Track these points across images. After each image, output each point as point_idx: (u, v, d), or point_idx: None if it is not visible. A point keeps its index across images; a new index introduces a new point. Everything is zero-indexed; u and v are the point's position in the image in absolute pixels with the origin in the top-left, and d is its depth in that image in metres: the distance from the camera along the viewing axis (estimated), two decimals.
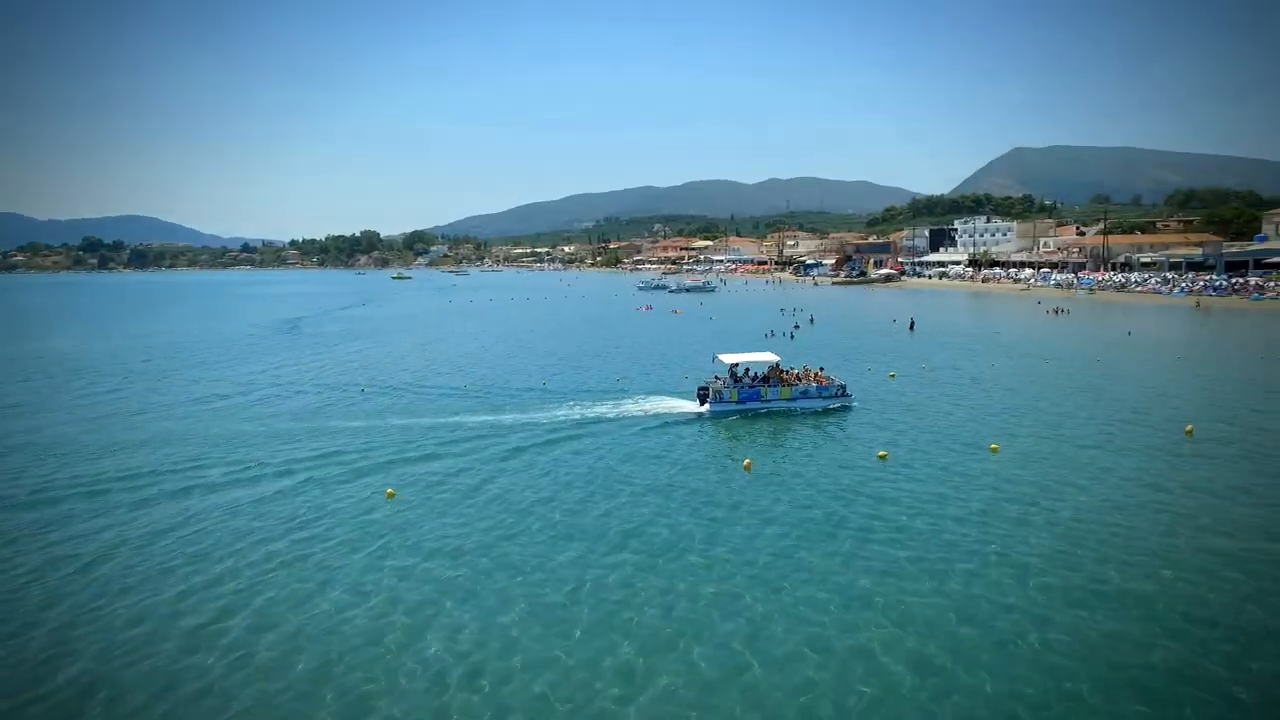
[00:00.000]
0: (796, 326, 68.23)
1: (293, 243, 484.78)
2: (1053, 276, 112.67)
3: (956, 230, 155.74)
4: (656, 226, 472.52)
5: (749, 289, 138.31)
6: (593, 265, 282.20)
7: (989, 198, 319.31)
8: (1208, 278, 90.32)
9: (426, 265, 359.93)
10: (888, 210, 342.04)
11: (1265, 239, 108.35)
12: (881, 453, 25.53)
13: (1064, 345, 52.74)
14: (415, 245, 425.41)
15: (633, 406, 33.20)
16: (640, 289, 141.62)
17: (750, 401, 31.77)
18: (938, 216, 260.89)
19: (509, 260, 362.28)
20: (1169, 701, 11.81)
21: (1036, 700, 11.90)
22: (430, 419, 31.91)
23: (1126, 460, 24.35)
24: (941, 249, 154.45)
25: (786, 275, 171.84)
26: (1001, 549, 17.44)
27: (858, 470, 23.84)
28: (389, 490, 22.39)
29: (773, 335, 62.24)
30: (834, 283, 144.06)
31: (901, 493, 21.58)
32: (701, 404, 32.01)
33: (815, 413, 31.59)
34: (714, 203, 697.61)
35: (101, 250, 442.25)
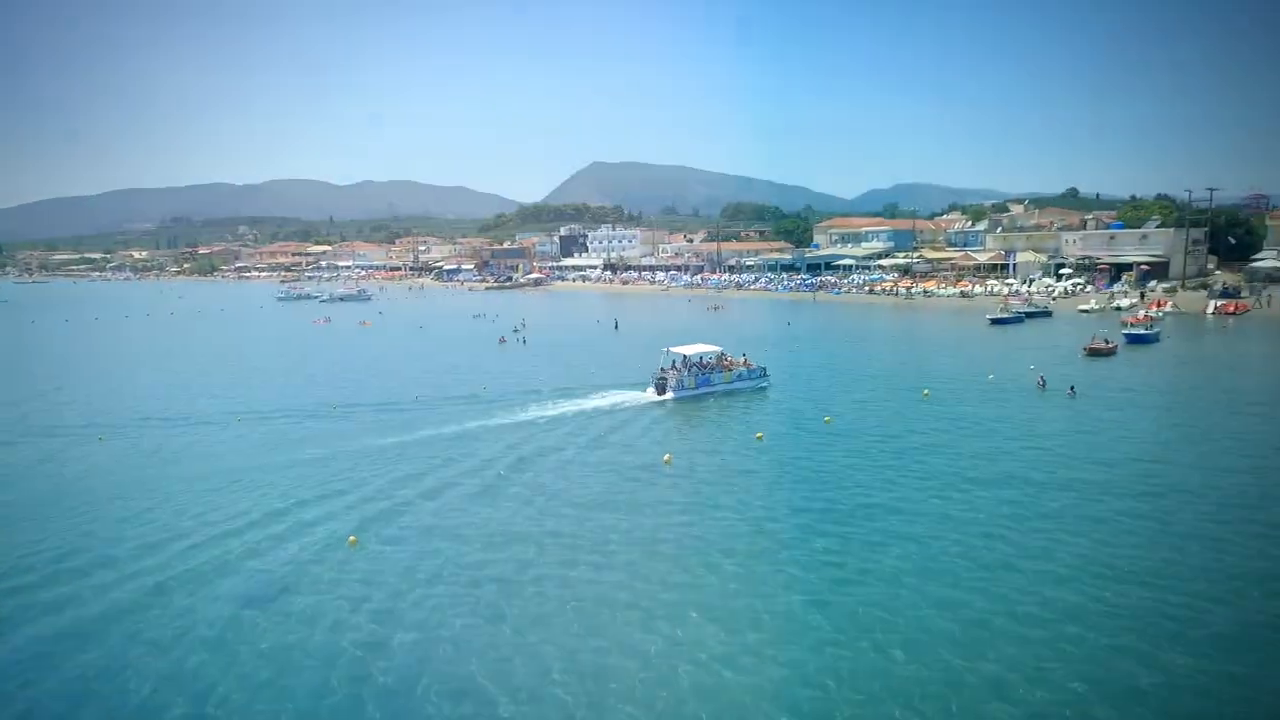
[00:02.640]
0: (516, 330, 70.45)
1: None
2: (682, 278, 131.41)
3: (587, 237, 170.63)
4: (241, 229, 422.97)
5: (392, 296, 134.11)
6: (179, 273, 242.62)
7: (586, 207, 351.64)
8: (800, 277, 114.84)
9: None
10: (498, 216, 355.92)
11: (819, 246, 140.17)
12: (758, 434, 30.49)
13: (757, 335, 64.07)
14: None
15: (591, 402, 35.64)
16: (280, 300, 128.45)
17: (703, 386, 36.58)
18: (545, 223, 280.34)
19: (48, 269, 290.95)
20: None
21: None
22: (314, 450, 29.06)
23: (912, 413, 33.17)
24: (575, 254, 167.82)
25: (429, 281, 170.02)
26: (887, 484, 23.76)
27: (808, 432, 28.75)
28: (351, 537, 20.58)
29: (505, 341, 63.94)
30: (486, 288, 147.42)
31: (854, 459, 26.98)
32: (660, 393, 35.25)
33: (751, 390, 38.20)
34: (304, 204, 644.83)
35: None
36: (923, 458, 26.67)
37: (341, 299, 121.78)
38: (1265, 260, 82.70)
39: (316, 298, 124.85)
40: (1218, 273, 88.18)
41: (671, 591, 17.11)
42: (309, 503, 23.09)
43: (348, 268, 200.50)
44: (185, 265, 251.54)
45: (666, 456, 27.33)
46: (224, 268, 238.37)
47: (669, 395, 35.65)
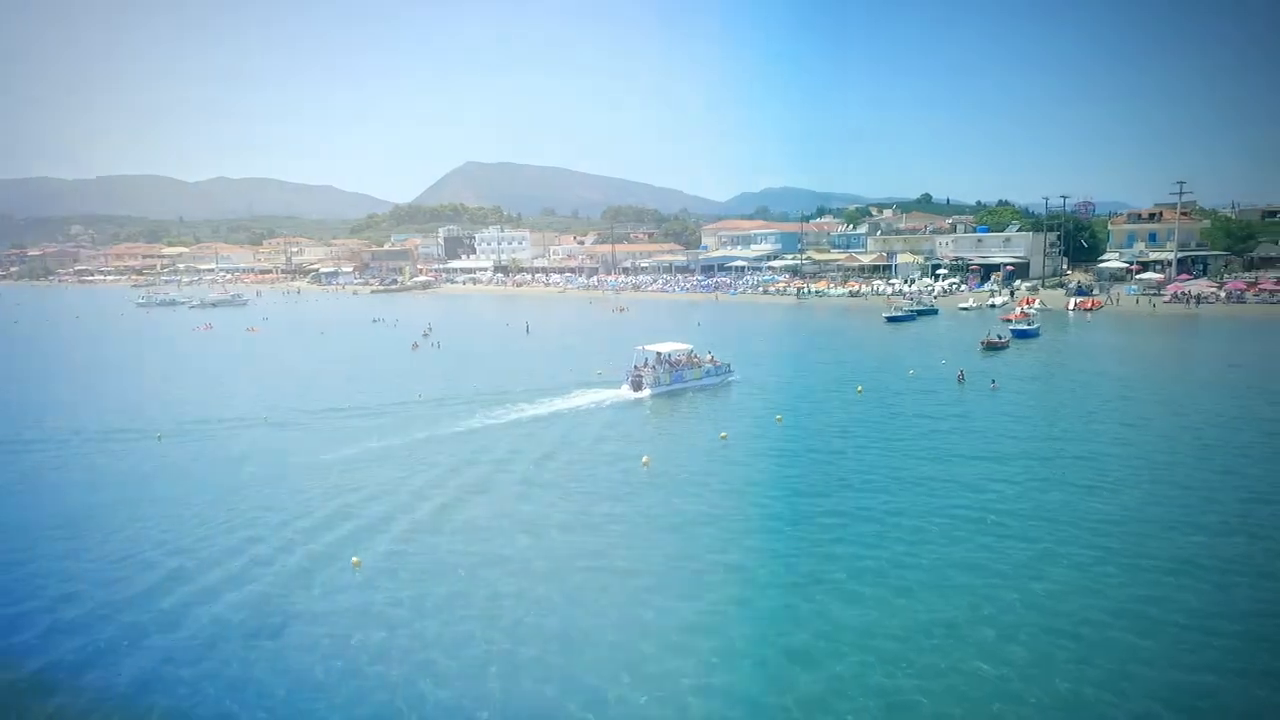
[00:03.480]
0: (425, 335, 68.29)
1: None
2: (577, 280, 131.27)
3: (474, 238, 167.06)
4: (75, 228, 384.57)
5: (269, 300, 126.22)
6: (5, 278, 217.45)
7: (465, 207, 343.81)
8: (697, 279, 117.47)
9: None
10: (371, 216, 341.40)
11: (707, 249, 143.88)
12: (722, 434, 31.20)
13: (673, 337, 65.18)
14: None
15: (566, 402, 35.72)
16: (141, 306, 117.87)
17: (677, 382, 37.81)
18: (422, 224, 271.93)
19: None
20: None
21: None
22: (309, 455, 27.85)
23: (855, 408, 35.04)
24: (462, 255, 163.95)
25: (306, 285, 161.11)
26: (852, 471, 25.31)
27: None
28: (355, 559, 19.57)
29: (419, 346, 61.84)
30: (372, 291, 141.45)
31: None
32: (636, 390, 36.04)
33: (718, 385, 39.86)
34: (148, 201, 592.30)
35: None
36: (883, 447, 28.26)
37: (214, 304, 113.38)
38: (1110, 261, 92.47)
39: (185, 303, 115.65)
40: (1071, 273, 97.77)
41: (711, 572, 17.77)
42: (286, 526, 21.49)
43: (210, 270, 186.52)
44: (13, 269, 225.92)
45: (645, 459, 27.47)
46: (61, 271, 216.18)
47: (646, 392, 36.40)
